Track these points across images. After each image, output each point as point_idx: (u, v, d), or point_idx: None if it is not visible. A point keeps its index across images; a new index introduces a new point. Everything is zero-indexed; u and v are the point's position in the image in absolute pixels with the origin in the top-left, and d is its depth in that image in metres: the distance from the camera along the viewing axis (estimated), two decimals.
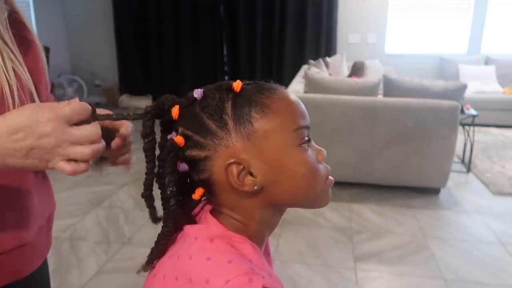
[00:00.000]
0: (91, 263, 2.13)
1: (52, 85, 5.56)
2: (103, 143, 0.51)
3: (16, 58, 0.63)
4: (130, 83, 6.14)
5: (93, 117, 0.53)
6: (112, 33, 6.02)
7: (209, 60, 5.85)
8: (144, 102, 5.97)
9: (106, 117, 0.54)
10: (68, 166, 0.49)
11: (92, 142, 0.50)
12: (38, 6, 5.68)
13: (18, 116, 0.48)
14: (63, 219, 2.58)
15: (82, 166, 0.50)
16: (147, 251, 0.58)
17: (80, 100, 0.52)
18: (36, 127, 0.47)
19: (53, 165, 0.49)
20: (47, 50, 5.14)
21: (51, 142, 0.48)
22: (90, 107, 0.51)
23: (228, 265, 0.47)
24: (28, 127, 0.47)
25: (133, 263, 2.07)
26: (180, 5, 5.67)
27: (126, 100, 6.08)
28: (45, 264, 0.81)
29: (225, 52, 5.89)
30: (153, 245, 0.57)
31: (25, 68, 0.65)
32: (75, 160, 0.49)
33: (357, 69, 4.37)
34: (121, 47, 6.04)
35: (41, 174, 0.74)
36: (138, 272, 0.58)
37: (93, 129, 0.50)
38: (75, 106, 0.49)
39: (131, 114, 0.53)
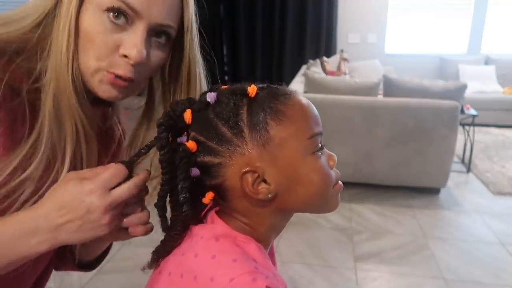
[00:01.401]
0: None
1: None
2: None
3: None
4: None
5: (130, 162, 0.54)
6: None
7: (208, 60, 5.84)
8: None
9: (139, 154, 0.54)
10: (139, 229, 0.55)
11: (134, 196, 0.52)
12: None
13: (62, 192, 0.49)
14: None
15: (147, 227, 0.56)
16: (147, 251, 0.58)
17: None
18: (82, 201, 0.49)
19: (107, 231, 0.52)
20: None
21: (97, 214, 0.49)
22: (125, 168, 0.52)
23: (232, 263, 0.47)
24: (72, 201, 0.49)
25: (133, 263, 2.07)
26: None
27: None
28: None
29: (225, 52, 5.88)
30: (154, 245, 0.57)
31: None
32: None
33: (323, 65, 4.32)
34: None
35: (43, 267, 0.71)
36: (143, 269, 0.58)
37: (129, 185, 0.51)
38: (113, 171, 0.51)
39: (154, 140, 0.52)
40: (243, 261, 0.48)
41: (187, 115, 0.51)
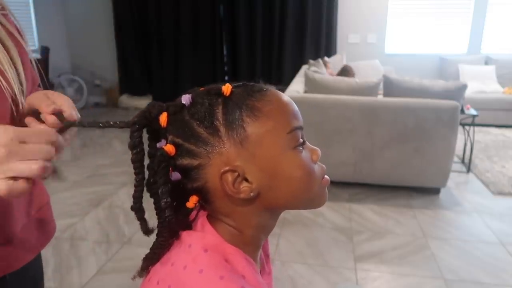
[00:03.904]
0: (91, 263, 2.13)
1: (52, 85, 5.56)
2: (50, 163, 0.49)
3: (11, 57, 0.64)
4: (130, 83, 6.14)
5: (80, 123, 0.54)
6: (112, 33, 6.03)
7: (209, 60, 5.85)
8: (144, 102, 5.97)
9: (92, 124, 0.53)
10: (3, 185, 0.45)
11: (44, 159, 0.47)
12: (38, 6, 5.69)
13: None
14: (63, 219, 2.58)
15: (21, 184, 0.46)
16: (147, 251, 0.58)
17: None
18: None
19: None
20: (47, 50, 5.14)
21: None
22: (54, 135, 0.49)
23: (219, 281, 0.46)
24: None
25: (133, 263, 2.07)
26: (180, 5, 5.67)
27: (126, 100, 6.08)
28: (38, 259, 0.81)
29: (225, 52, 5.89)
30: (149, 249, 0.56)
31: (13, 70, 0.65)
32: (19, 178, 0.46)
33: (346, 72, 4.33)
34: (121, 47, 6.04)
35: None
36: (134, 278, 0.57)
37: (45, 147, 0.48)
38: (35, 130, 0.48)
39: (118, 122, 0.51)
40: (230, 279, 0.47)
41: (163, 118, 0.50)
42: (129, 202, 2.85)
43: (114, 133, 4.60)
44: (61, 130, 0.56)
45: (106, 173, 3.42)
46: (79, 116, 0.63)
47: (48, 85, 0.82)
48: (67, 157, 3.82)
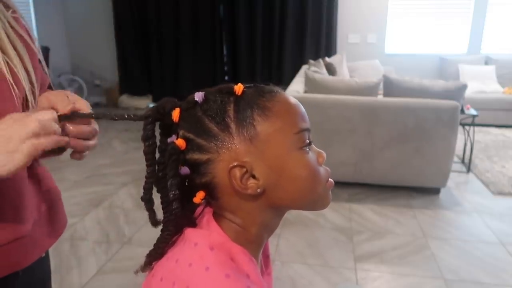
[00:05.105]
0: (91, 263, 2.13)
1: (52, 86, 5.56)
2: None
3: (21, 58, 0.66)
4: (130, 83, 6.14)
5: (92, 115, 0.56)
6: (112, 33, 6.03)
7: (209, 60, 5.85)
8: (144, 102, 5.98)
9: (106, 116, 0.55)
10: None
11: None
12: (38, 6, 5.69)
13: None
14: None
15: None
16: (147, 251, 0.58)
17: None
18: (8, 143, 0.53)
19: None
20: (47, 50, 5.14)
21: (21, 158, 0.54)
22: (57, 118, 0.57)
23: (225, 279, 0.47)
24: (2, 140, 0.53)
25: (133, 263, 2.07)
26: (180, 4, 5.67)
27: (126, 100, 6.08)
28: (47, 259, 0.82)
29: (225, 52, 5.89)
30: (153, 245, 0.57)
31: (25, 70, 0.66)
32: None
33: (332, 72, 4.29)
34: (121, 46, 6.04)
35: (32, 168, 0.75)
36: (136, 272, 0.58)
37: (58, 140, 0.56)
38: (43, 121, 0.55)
39: (132, 115, 0.53)
40: (236, 278, 0.48)
41: (175, 113, 0.52)
42: (129, 202, 2.86)
43: (114, 133, 4.60)
44: (72, 118, 0.60)
45: (106, 173, 3.42)
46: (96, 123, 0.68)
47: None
48: (67, 156, 3.82)
